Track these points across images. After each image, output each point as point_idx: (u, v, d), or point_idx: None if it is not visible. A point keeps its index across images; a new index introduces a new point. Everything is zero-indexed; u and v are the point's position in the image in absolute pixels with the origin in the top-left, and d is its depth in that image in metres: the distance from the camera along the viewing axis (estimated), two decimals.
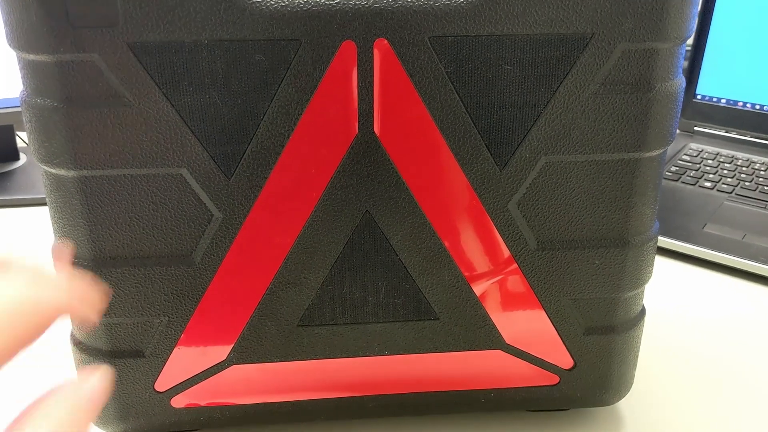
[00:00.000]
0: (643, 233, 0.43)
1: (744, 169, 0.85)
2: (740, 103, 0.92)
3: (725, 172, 0.84)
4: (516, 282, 0.43)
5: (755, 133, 0.91)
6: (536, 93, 0.38)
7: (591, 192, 0.41)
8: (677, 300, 0.64)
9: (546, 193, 0.41)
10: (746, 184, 0.81)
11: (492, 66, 0.37)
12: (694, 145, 0.92)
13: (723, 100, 0.94)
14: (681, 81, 0.40)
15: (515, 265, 0.42)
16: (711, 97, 0.94)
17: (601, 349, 0.45)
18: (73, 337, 0.44)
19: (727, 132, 0.94)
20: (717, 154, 0.89)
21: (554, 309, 0.44)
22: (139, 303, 0.41)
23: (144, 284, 0.41)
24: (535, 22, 0.36)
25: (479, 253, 0.42)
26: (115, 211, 0.39)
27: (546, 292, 0.43)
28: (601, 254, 0.43)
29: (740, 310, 0.63)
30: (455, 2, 0.36)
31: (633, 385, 0.49)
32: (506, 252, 0.42)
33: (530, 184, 0.40)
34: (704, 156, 0.88)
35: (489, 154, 0.39)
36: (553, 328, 0.44)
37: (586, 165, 0.40)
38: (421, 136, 0.38)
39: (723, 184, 0.81)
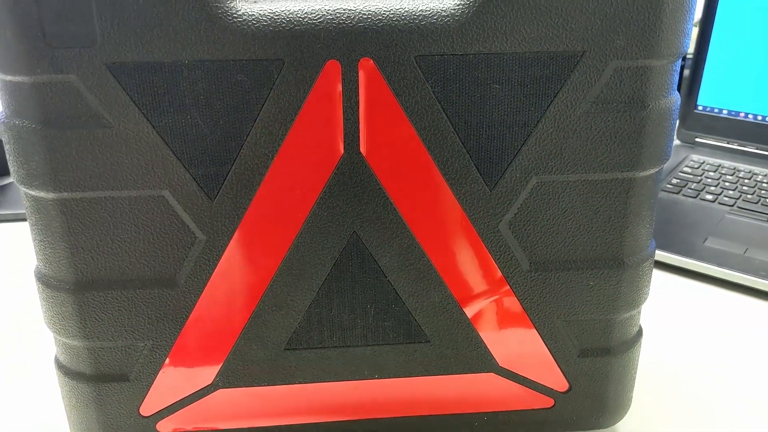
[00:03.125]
0: (639, 253, 0.42)
1: (746, 181, 0.83)
2: (742, 114, 0.91)
3: (727, 184, 0.83)
4: (509, 303, 0.42)
5: (758, 145, 0.90)
6: (526, 112, 0.37)
7: (584, 212, 0.40)
8: (677, 316, 0.63)
9: (538, 213, 0.40)
10: (748, 196, 0.80)
11: (480, 85, 0.36)
12: (695, 157, 0.91)
13: (725, 111, 0.92)
14: (675, 98, 0.39)
15: (507, 287, 0.41)
16: (712, 108, 0.93)
17: (596, 372, 0.44)
18: (57, 361, 0.44)
19: (728, 143, 0.92)
20: (719, 166, 0.87)
21: (548, 331, 0.43)
22: (122, 326, 0.40)
23: (127, 307, 0.40)
24: (524, 40, 0.35)
25: (470, 275, 0.41)
26: (97, 233, 0.38)
27: (539, 314, 0.42)
28: (595, 275, 0.41)
29: (742, 326, 0.62)
30: (441, 21, 0.35)
31: (630, 406, 0.48)
32: (498, 273, 0.41)
33: (521, 204, 0.39)
34: (706, 168, 0.87)
35: (479, 174, 0.38)
36: (548, 351, 0.43)
37: (579, 185, 0.39)
38: (408, 156, 0.37)
39: (725, 196, 0.80)
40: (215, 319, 0.41)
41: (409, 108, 0.36)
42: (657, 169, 0.40)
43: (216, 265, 0.39)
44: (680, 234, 0.72)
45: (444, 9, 0.35)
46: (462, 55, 0.36)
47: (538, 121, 0.37)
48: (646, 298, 0.44)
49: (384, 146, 0.37)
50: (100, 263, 0.39)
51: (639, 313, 0.45)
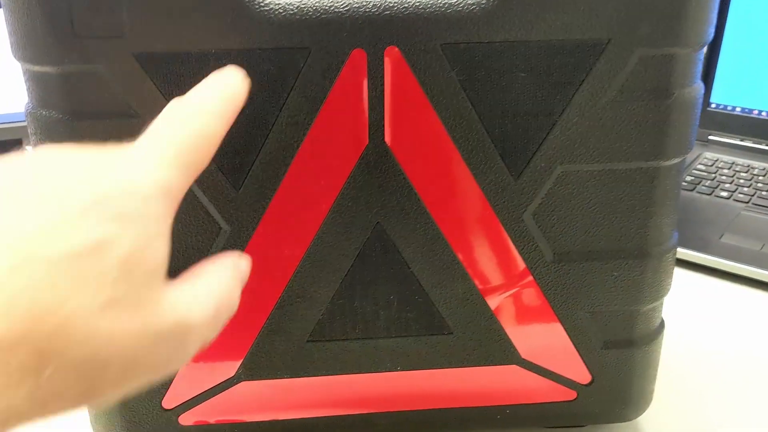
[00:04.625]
0: (663, 244, 0.42)
1: (761, 178, 0.83)
2: (755, 111, 0.91)
3: (741, 181, 0.83)
4: (532, 295, 0.41)
5: None
6: (551, 101, 0.37)
7: (608, 202, 0.40)
8: (694, 311, 0.63)
9: (562, 203, 0.39)
10: (763, 193, 0.80)
11: (506, 73, 0.36)
12: (709, 155, 0.91)
13: (738, 109, 0.92)
14: (700, 87, 0.39)
15: (531, 278, 0.41)
16: (725, 106, 0.93)
17: (620, 364, 0.44)
18: None
19: (742, 141, 0.92)
20: (732, 164, 0.87)
21: (571, 322, 0.43)
22: None
23: None
24: (550, 28, 0.35)
25: (494, 266, 0.41)
26: None
27: (563, 305, 0.42)
28: (619, 266, 0.41)
29: (759, 321, 0.62)
30: (467, 8, 0.35)
31: (653, 400, 0.48)
32: (522, 264, 0.41)
33: (546, 194, 0.39)
34: (719, 165, 0.87)
35: (503, 164, 0.38)
36: (571, 343, 0.43)
37: (604, 174, 0.39)
38: (433, 145, 0.37)
39: (739, 193, 0.80)
40: (239, 311, 0.41)
41: (435, 97, 0.36)
42: (681, 159, 0.40)
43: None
44: (696, 230, 0.72)
45: None
46: (488, 43, 0.36)
47: (563, 110, 0.37)
48: (668, 290, 0.44)
49: (409, 136, 0.37)
50: None
51: (661, 304, 0.45)
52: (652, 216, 0.40)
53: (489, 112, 0.37)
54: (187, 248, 0.39)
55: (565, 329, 0.43)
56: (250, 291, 0.40)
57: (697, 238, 0.71)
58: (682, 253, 0.69)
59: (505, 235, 0.40)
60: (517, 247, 0.40)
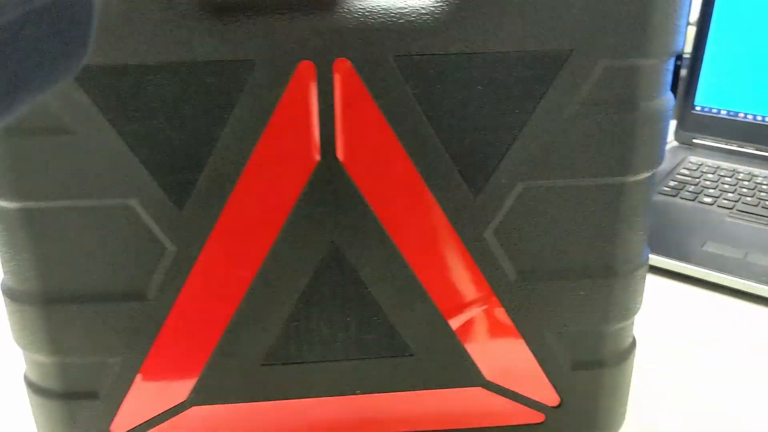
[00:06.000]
0: (632, 261, 0.40)
1: (746, 183, 0.81)
2: (741, 114, 0.89)
3: (726, 186, 0.81)
4: (496, 315, 0.40)
5: (757, 145, 0.88)
6: (511, 114, 0.35)
7: (574, 219, 0.38)
8: (674, 323, 0.61)
9: (525, 220, 0.38)
10: (748, 199, 0.78)
11: (463, 86, 0.34)
12: (693, 158, 0.89)
13: (723, 112, 0.91)
14: (669, 98, 0.37)
15: (494, 297, 0.39)
16: (710, 108, 0.91)
17: (589, 385, 0.42)
18: (26, 377, 0.42)
19: (727, 144, 0.90)
20: (717, 168, 0.85)
21: (538, 343, 0.41)
22: (92, 341, 0.39)
23: (96, 321, 0.38)
24: (508, 38, 0.34)
25: (455, 285, 0.39)
26: (63, 244, 0.36)
27: (528, 326, 0.40)
28: (586, 285, 0.40)
29: (741, 333, 0.60)
30: (421, 18, 0.33)
31: (625, 420, 0.46)
32: (484, 283, 0.39)
33: (507, 211, 0.37)
34: (704, 170, 0.85)
35: (462, 180, 0.36)
36: (537, 364, 0.41)
37: (568, 190, 0.37)
38: (388, 161, 0.36)
39: (723, 199, 0.78)
40: (188, 334, 0.39)
41: (389, 111, 0.35)
42: (649, 174, 0.38)
43: (187, 277, 0.37)
44: (678, 238, 0.70)
45: (423, 6, 0.33)
46: (443, 54, 0.34)
47: (524, 124, 0.35)
48: (639, 308, 0.42)
49: (362, 152, 0.35)
50: (67, 275, 0.37)
51: (632, 323, 0.43)
52: (620, 233, 0.39)
53: (446, 126, 0.35)
54: (132, 269, 0.37)
55: (532, 350, 0.41)
56: (200, 311, 0.38)
57: (679, 245, 0.69)
58: (663, 261, 0.67)
59: (467, 253, 0.38)
60: (479, 265, 0.38)
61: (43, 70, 0.21)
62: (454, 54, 0.34)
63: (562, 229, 0.38)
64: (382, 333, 0.40)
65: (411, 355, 0.40)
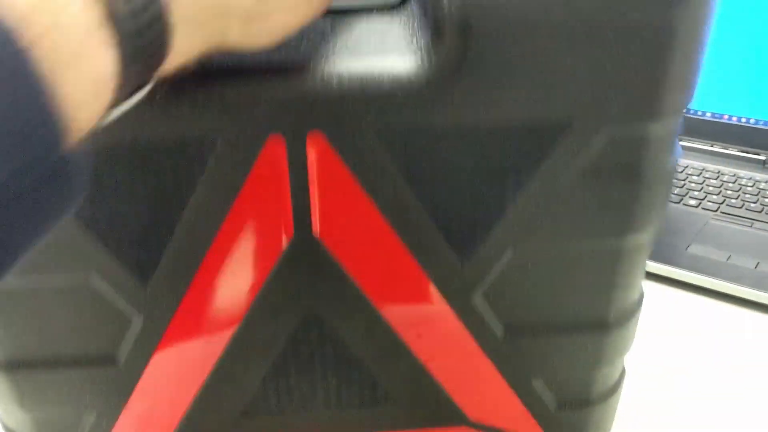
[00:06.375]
0: (627, 310, 0.38)
1: (730, 185, 0.79)
2: (726, 117, 0.85)
3: (711, 188, 0.78)
4: (483, 369, 0.38)
5: (741, 147, 0.85)
6: (503, 188, 0.32)
7: (566, 280, 0.36)
8: (658, 326, 0.60)
9: (515, 282, 0.35)
10: (732, 201, 0.76)
11: (451, 159, 0.31)
12: (678, 161, 0.85)
13: (708, 114, 0.87)
14: (677, 156, 0.34)
15: (482, 354, 0.38)
16: (696, 111, 0.88)
17: (575, 422, 0.42)
18: (4, 424, 0.40)
19: (712, 146, 0.87)
20: (703, 170, 0.83)
21: (525, 390, 0.40)
22: (63, 401, 0.37)
23: (67, 385, 0.37)
24: (499, 110, 0.30)
25: (441, 344, 0.37)
26: (27, 317, 0.34)
27: (516, 376, 0.39)
28: (577, 338, 0.38)
29: (726, 336, 0.59)
30: (402, 88, 0.29)
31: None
32: (471, 342, 0.37)
33: (497, 276, 0.35)
34: (689, 172, 0.83)
35: (449, 249, 0.34)
36: (524, 408, 0.40)
37: (561, 253, 0.35)
38: (370, 235, 0.33)
39: (708, 201, 0.76)
40: (162, 392, 0.37)
41: (369, 184, 0.31)
42: (650, 234, 0.35)
43: (157, 344, 0.35)
44: (662, 241, 0.68)
45: (403, 74, 0.29)
46: (428, 128, 0.30)
47: (515, 196, 0.32)
48: (630, 346, 0.41)
49: (341, 226, 0.32)
50: (31, 345, 0.35)
51: (622, 361, 0.42)
52: (616, 289, 0.36)
53: (432, 197, 0.32)
54: (99, 338, 0.35)
55: (519, 396, 0.40)
56: (173, 375, 0.37)
57: (663, 248, 0.67)
58: (648, 265, 0.65)
59: (454, 316, 0.36)
60: (466, 326, 0.36)
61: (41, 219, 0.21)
62: (439, 127, 0.30)
63: (553, 290, 0.36)
64: (364, 386, 0.38)
65: (394, 404, 0.39)
